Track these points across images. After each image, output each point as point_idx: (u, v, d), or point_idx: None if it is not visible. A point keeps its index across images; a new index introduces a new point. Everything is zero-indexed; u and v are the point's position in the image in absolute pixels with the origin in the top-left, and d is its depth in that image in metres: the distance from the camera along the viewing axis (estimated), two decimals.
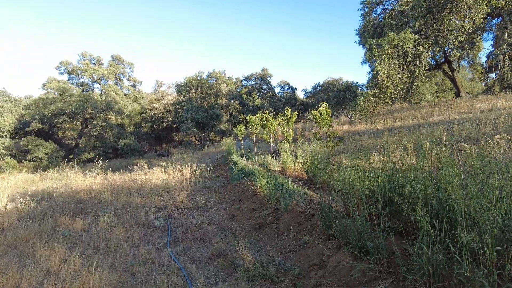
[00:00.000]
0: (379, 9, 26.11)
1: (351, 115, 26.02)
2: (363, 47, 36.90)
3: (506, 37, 19.41)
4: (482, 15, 16.31)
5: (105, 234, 6.95)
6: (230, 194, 10.13)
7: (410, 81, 17.67)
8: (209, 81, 44.99)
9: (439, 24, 15.95)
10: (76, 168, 16.97)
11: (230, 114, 47.21)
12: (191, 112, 39.19)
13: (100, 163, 15.89)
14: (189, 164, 15.80)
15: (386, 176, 4.37)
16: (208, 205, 9.19)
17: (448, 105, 26.67)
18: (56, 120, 38.23)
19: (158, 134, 49.00)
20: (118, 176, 15.79)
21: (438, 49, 20.47)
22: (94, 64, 45.60)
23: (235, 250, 5.39)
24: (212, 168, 15.56)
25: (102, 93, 45.60)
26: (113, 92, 44.23)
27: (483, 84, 45.06)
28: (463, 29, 15.93)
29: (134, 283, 4.83)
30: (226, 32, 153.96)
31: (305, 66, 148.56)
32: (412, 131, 14.75)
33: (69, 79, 44.38)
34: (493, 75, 40.42)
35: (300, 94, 54.12)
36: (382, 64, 16.40)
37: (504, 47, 20.32)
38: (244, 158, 15.17)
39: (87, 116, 40.01)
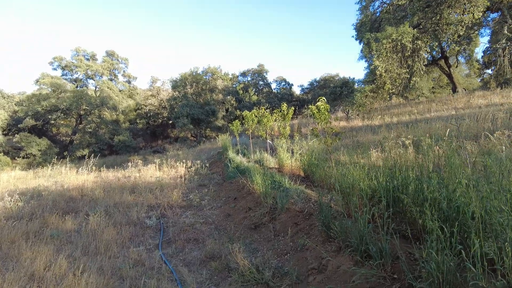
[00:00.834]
0: (377, 3, 25.83)
1: (348, 111, 25.80)
2: (360, 42, 36.68)
3: (505, 32, 19.20)
4: (482, 9, 16.08)
5: (95, 234, 6.68)
6: (225, 192, 9.87)
7: (409, 76, 17.42)
8: (204, 77, 44.51)
9: (438, 18, 15.70)
10: (68, 165, 16.65)
11: (226, 110, 46.83)
12: (187, 108, 38.79)
13: (92, 160, 15.54)
14: (184, 161, 15.51)
15: (388, 174, 4.13)
16: (203, 204, 8.92)
17: (445, 100, 26.56)
18: (49, 117, 37.69)
19: (153, 130, 48.56)
20: (111, 173, 15.51)
21: (436, 44, 20.23)
22: (88, 59, 44.98)
23: (230, 252, 5.15)
24: (207, 165, 15.26)
25: (97, 89, 45.05)
26: (108, 88, 43.67)
27: (479, 80, 45.09)
28: (463, 23, 15.69)
29: None
30: (221, 27, 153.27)
31: (301, 62, 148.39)
32: (410, 127, 14.55)
33: (62, 75, 43.72)
34: (489, 71, 40.49)
35: (297, 90, 53.85)
36: (380, 59, 16.14)
37: (503, 41, 20.11)
38: (240, 154, 14.92)
39: (82, 112, 39.53)
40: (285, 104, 8.69)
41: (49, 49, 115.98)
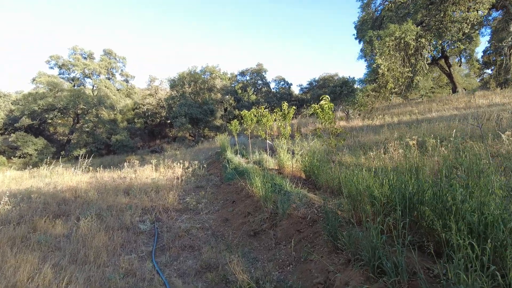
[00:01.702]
0: (379, 1, 25.47)
1: (348, 110, 25.43)
2: (360, 41, 36.38)
3: (511, 29, 18.83)
4: (488, 6, 15.72)
5: (85, 240, 6.30)
6: (223, 195, 9.49)
7: (412, 75, 17.03)
8: (203, 76, 44.12)
9: (441, 15, 15.33)
10: (64, 165, 16.27)
11: (225, 110, 46.44)
12: (185, 107, 38.39)
13: (86, 160, 15.16)
14: (182, 161, 15.14)
15: (401, 180, 3.75)
16: (199, 207, 8.54)
17: (445, 100, 26.27)
18: (46, 116, 37.27)
19: (151, 130, 48.10)
20: (107, 174, 15.13)
21: (440, 42, 19.88)
22: (85, 58, 44.57)
23: (227, 262, 4.78)
24: (205, 165, 14.90)
25: (94, 88, 44.64)
26: (105, 87, 43.25)
27: (478, 80, 44.92)
28: (468, 20, 15.32)
29: None
30: (220, 26, 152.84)
31: (300, 62, 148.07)
32: (413, 127, 14.22)
33: (59, 74, 43.31)
34: (489, 71, 40.26)
35: (296, 90, 53.41)
36: (383, 57, 15.75)
37: (510, 39, 19.73)
38: (238, 155, 14.55)
39: (79, 111, 39.10)
40: (285, 103, 8.33)
41: (47, 48, 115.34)
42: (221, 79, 47.03)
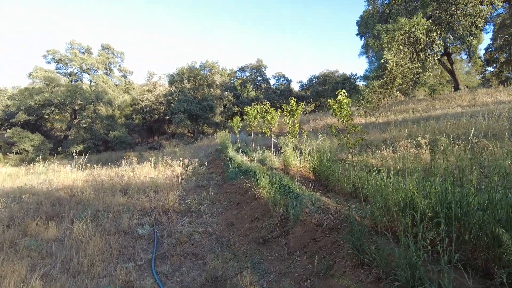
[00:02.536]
0: None
1: (350, 107, 24.75)
2: (361, 38, 35.86)
3: None
4: None
5: (79, 246, 5.82)
6: (226, 195, 8.99)
7: (421, 71, 16.49)
8: (202, 72, 43.52)
9: (453, 9, 14.78)
10: (61, 162, 15.80)
11: (224, 106, 45.88)
12: (184, 103, 37.83)
13: (82, 158, 14.65)
14: (181, 159, 14.62)
15: (442, 187, 3.26)
16: (202, 209, 8.03)
17: (448, 98, 25.84)
18: (43, 111, 36.63)
19: (150, 126, 47.51)
20: (104, 171, 14.62)
21: (451, 36, 19.32)
22: (83, 53, 43.83)
23: (235, 274, 4.30)
24: (205, 163, 14.39)
25: (92, 83, 43.98)
26: (103, 82, 42.59)
27: (479, 78, 44.55)
28: (481, 14, 14.78)
29: None
30: (219, 22, 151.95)
31: (300, 58, 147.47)
32: (422, 125, 13.75)
33: (56, 69, 42.56)
34: (491, 68, 39.87)
35: (296, 86, 52.90)
36: (391, 52, 15.20)
37: None
38: (240, 153, 14.05)
39: (76, 107, 38.50)
40: (293, 99, 7.83)
41: (45, 43, 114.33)
42: (220, 75, 46.44)
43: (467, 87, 34.95)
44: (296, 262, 4.42)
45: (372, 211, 4.00)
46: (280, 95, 45.89)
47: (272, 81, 50.57)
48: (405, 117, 19.38)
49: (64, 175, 13.32)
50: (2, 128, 37.71)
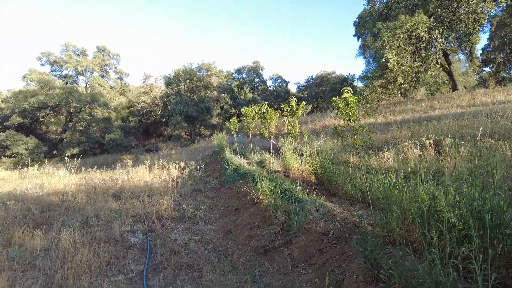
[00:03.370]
0: None
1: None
2: (358, 39, 35.64)
3: None
4: None
5: (65, 257, 5.40)
6: (224, 200, 8.59)
7: (422, 70, 16.14)
8: (198, 73, 43.12)
9: (455, 6, 14.48)
10: (49, 167, 15.37)
11: (221, 108, 45.48)
12: (180, 105, 37.43)
13: (76, 161, 14.22)
14: (177, 161, 14.22)
15: (469, 195, 2.87)
16: (198, 215, 7.61)
17: (446, 98, 25.61)
18: (38, 114, 36.14)
19: (146, 128, 47.03)
20: (98, 175, 14.20)
21: (453, 34, 19.01)
22: (78, 55, 43.31)
23: None
24: (202, 166, 13.99)
25: (87, 85, 43.47)
26: (99, 84, 42.09)
27: (475, 78, 44.46)
28: (485, 11, 14.49)
29: None
30: (216, 23, 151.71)
31: (297, 60, 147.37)
32: (423, 126, 13.44)
33: (51, 71, 42.00)
34: (488, 69, 39.72)
35: (293, 88, 52.65)
36: (392, 51, 14.85)
37: None
38: (238, 155, 13.66)
39: (72, 109, 38.02)
40: (294, 99, 7.46)
41: (45, 43, 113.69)
42: (217, 76, 46.06)
43: (465, 87, 34.80)
44: (301, 275, 4.02)
45: (387, 221, 3.61)
46: (277, 96, 45.55)
47: (269, 83, 50.34)
48: (405, 118, 19.10)
49: (56, 179, 12.91)
50: None
